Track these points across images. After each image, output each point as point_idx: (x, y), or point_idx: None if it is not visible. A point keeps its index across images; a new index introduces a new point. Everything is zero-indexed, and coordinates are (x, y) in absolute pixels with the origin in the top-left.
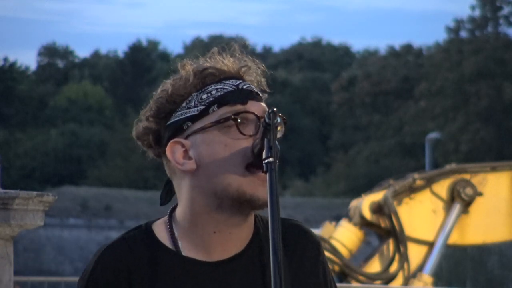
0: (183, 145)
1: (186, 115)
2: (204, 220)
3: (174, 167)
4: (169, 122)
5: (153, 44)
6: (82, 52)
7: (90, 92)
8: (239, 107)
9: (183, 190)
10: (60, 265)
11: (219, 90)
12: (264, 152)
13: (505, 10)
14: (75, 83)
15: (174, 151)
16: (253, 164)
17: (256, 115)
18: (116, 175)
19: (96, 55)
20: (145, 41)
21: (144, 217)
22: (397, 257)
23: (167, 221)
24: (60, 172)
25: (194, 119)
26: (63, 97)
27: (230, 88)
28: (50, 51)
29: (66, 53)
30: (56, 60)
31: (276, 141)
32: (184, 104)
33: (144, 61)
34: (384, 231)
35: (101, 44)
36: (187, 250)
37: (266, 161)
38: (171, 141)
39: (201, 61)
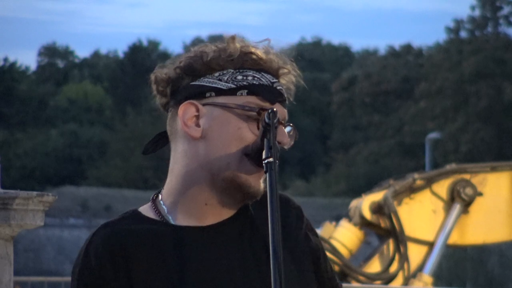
0: (197, 110)
1: (213, 85)
2: (195, 191)
3: (180, 127)
4: (194, 82)
5: (153, 44)
6: (82, 52)
7: (90, 92)
8: (266, 104)
9: (178, 155)
10: (60, 265)
11: (256, 79)
12: (264, 152)
13: (505, 10)
14: (75, 83)
15: (186, 111)
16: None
17: (277, 118)
18: (116, 175)
19: (96, 55)
20: (145, 41)
21: None
22: (397, 257)
23: (151, 204)
24: (60, 172)
25: (219, 92)
26: (63, 97)
27: (266, 83)
28: (50, 51)
29: (66, 53)
30: (56, 60)
31: (276, 142)
32: (216, 74)
33: (144, 61)
34: (384, 231)
35: (101, 44)
36: (178, 220)
37: (266, 161)
38: (188, 101)
39: (251, 43)
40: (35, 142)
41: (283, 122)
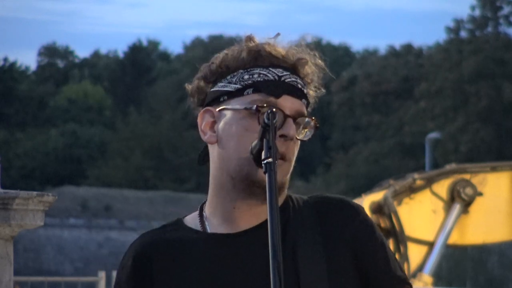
0: (213, 116)
1: (225, 89)
2: (223, 195)
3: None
4: (212, 89)
5: (153, 44)
6: (82, 52)
7: (90, 92)
8: (271, 99)
9: (211, 160)
10: (60, 265)
11: (261, 75)
12: (263, 153)
13: (505, 10)
14: (75, 83)
15: (203, 118)
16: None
17: (282, 111)
18: (116, 175)
19: (96, 55)
20: (145, 41)
21: (144, 217)
22: (397, 257)
23: (198, 211)
24: (60, 172)
25: (230, 95)
26: (63, 97)
27: (272, 78)
28: (50, 51)
29: (66, 53)
30: (56, 60)
31: (275, 142)
32: (228, 77)
33: (144, 61)
34: (384, 231)
35: (101, 44)
36: (213, 227)
37: (265, 161)
38: (204, 109)
39: (267, 40)
40: (35, 142)
41: (291, 114)
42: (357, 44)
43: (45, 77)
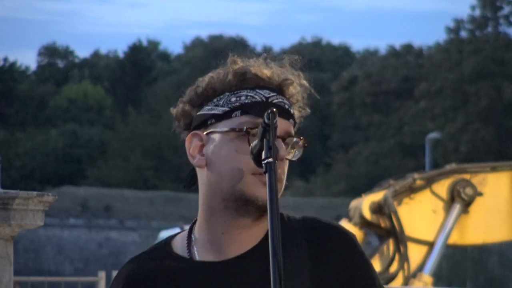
0: (201, 139)
1: (212, 112)
2: (213, 220)
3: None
4: (199, 112)
5: (153, 44)
6: (82, 52)
7: (90, 92)
8: (259, 121)
9: (199, 184)
10: (60, 265)
11: (248, 97)
12: (263, 153)
13: (505, 10)
14: (75, 83)
15: (191, 142)
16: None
17: (277, 119)
18: (116, 175)
19: (96, 55)
20: (145, 41)
21: (144, 217)
22: (397, 257)
23: (187, 231)
24: (60, 172)
25: (218, 118)
26: (63, 97)
27: (259, 99)
28: (50, 51)
29: (66, 53)
30: (56, 60)
31: (276, 142)
32: (215, 100)
33: (144, 61)
34: (384, 231)
35: (101, 44)
36: (200, 254)
37: (265, 161)
38: (192, 132)
39: (250, 62)
40: (35, 142)
41: (280, 135)
42: (357, 44)
43: (45, 77)
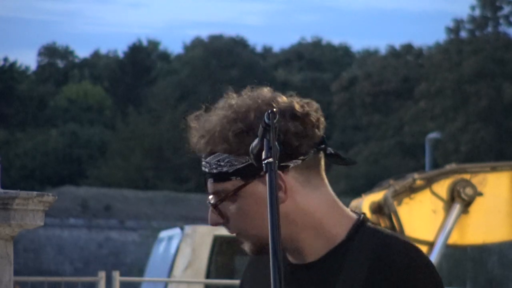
0: None
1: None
2: None
3: None
4: None
5: (153, 44)
6: (82, 52)
7: (90, 92)
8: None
9: None
10: (60, 265)
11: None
12: (263, 153)
13: (505, 10)
14: (75, 83)
15: None
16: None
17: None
18: (116, 175)
19: (96, 55)
20: (145, 41)
21: (144, 217)
22: None
23: None
24: (60, 172)
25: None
26: (63, 97)
27: (203, 169)
28: (50, 51)
29: (66, 53)
30: (56, 60)
31: (276, 142)
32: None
33: (144, 61)
34: None
35: (101, 44)
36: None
37: (265, 161)
38: None
39: (199, 124)
40: (35, 142)
41: (209, 199)
42: (357, 44)
43: (45, 77)
